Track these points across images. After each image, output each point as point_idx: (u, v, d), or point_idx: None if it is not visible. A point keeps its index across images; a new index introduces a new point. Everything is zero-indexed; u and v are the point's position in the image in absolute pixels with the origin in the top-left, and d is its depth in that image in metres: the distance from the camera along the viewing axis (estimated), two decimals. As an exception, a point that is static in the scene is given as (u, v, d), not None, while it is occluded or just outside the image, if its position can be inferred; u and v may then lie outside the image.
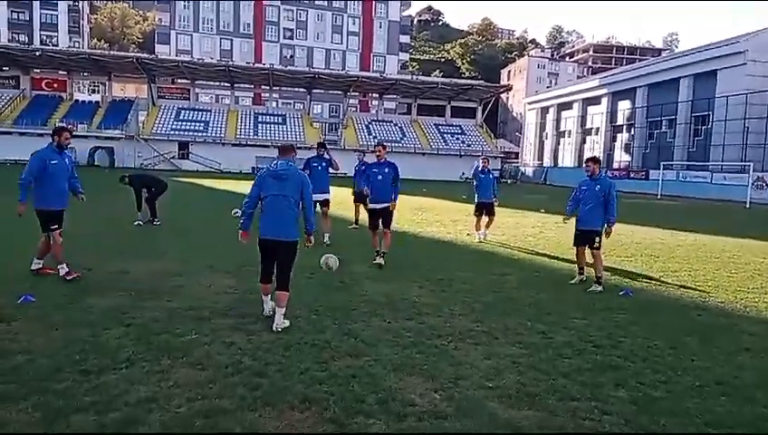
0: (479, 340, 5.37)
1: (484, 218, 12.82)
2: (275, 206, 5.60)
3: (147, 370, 4.27)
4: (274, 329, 5.33)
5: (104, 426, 3.39)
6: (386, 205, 9.28)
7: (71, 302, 6.08)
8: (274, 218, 5.58)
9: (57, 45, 79.21)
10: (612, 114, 62.91)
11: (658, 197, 40.15)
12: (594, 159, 8.68)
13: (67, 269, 7.23)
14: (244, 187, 30.96)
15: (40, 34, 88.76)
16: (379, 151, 9.36)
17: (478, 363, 4.73)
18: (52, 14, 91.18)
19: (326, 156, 11.50)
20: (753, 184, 37.07)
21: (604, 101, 64.01)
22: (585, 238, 8.24)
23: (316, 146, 12.00)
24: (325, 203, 11.02)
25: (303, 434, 3.41)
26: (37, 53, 59.08)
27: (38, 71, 63.63)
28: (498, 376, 4.46)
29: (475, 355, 4.93)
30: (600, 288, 7.79)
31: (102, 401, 3.70)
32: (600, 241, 8.12)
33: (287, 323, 5.45)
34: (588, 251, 8.23)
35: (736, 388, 4.42)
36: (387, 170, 9.29)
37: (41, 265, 7.45)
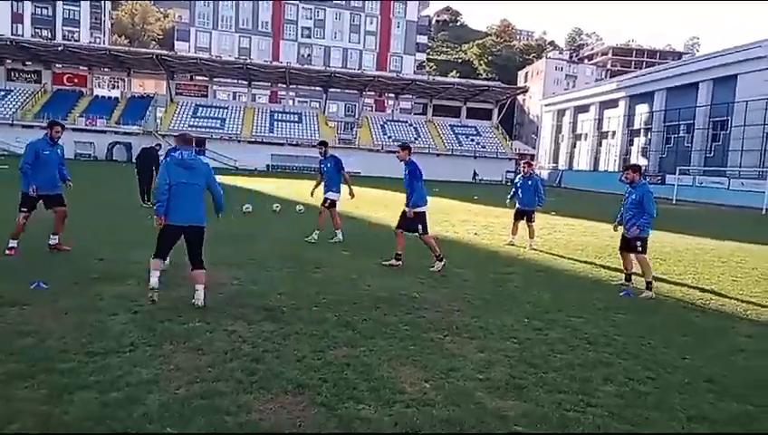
0: (475, 334, 5.48)
1: (523, 226, 12.04)
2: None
3: (149, 354, 4.44)
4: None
5: (106, 404, 3.56)
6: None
7: (81, 289, 6.29)
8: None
9: (79, 41, 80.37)
10: (629, 118, 62.44)
11: (674, 202, 39.78)
12: (632, 167, 8.38)
13: (13, 245, 7.91)
14: (258, 184, 31.22)
15: (62, 30, 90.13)
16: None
17: (471, 356, 4.84)
18: (74, 10, 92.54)
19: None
20: (770, 190, 36.60)
21: (621, 104, 63.55)
22: (630, 243, 8.10)
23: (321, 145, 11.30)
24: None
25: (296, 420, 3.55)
26: (59, 49, 60.20)
27: (60, 66, 64.77)
28: (489, 368, 4.57)
29: (468, 349, 5.04)
30: (650, 294, 7.65)
31: (105, 381, 3.87)
32: (642, 245, 7.92)
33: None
34: (633, 257, 8.13)
35: (725, 386, 4.48)
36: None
37: (57, 241, 8.25)
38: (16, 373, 3.92)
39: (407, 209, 8.79)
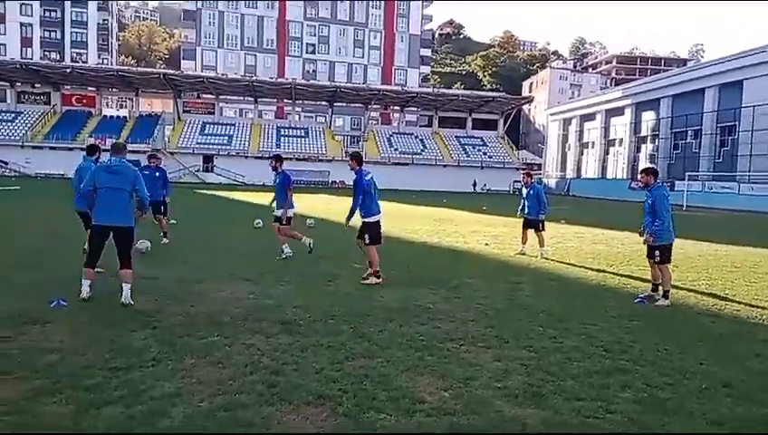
0: (490, 344, 5.51)
1: (532, 234, 12.15)
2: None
3: (171, 368, 4.51)
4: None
5: (132, 418, 3.62)
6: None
7: (99, 305, 6.37)
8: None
9: (87, 63, 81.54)
10: (636, 125, 62.49)
11: (683, 208, 39.57)
12: (646, 170, 8.07)
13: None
14: (267, 199, 31.52)
15: (71, 52, 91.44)
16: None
17: (488, 365, 4.87)
18: (82, 33, 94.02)
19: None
20: (780, 194, 36.43)
21: (628, 111, 63.62)
22: (649, 251, 7.99)
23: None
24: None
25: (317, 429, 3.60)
26: (68, 71, 61.12)
27: (68, 87, 65.76)
28: (507, 377, 4.59)
29: (485, 358, 5.07)
30: (666, 303, 7.58)
31: (130, 396, 3.93)
32: (660, 255, 7.74)
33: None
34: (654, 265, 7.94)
35: (743, 390, 4.48)
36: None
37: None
38: (43, 390, 3.99)
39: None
